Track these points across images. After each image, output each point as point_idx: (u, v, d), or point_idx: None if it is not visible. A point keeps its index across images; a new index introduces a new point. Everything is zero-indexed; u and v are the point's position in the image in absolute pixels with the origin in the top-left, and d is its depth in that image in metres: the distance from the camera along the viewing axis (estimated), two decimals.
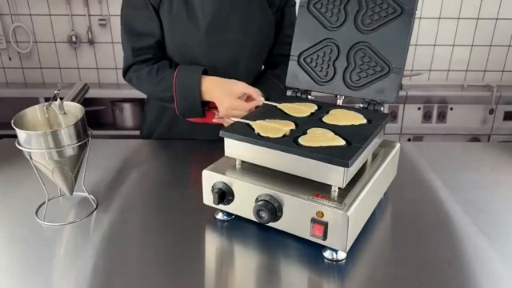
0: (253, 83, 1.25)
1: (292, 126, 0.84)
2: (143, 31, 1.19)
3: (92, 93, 2.78)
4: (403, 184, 1.01)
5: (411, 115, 2.69)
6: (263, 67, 1.36)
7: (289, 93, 1.09)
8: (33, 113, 0.91)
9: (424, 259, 0.76)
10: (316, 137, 0.79)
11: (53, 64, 2.91)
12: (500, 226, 0.86)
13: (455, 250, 0.79)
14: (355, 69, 0.96)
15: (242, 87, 1.11)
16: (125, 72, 1.25)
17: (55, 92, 0.91)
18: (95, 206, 0.91)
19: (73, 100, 0.96)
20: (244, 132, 0.82)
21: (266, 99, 1.03)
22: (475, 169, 1.12)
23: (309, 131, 0.82)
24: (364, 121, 0.88)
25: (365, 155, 0.81)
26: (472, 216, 0.89)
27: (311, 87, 1.02)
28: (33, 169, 0.86)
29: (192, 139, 1.25)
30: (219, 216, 0.86)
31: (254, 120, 0.86)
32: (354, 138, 0.78)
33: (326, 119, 0.89)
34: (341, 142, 0.77)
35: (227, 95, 1.10)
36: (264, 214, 0.76)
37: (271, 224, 0.78)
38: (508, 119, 2.69)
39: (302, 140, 0.78)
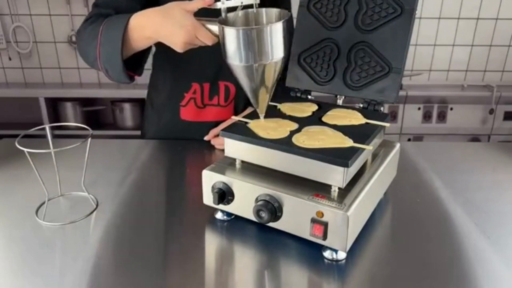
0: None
1: (292, 126, 0.84)
2: None
3: (92, 93, 2.81)
4: (403, 184, 1.01)
5: (411, 115, 2.69)
6: None
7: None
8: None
9: (424, 259, 0.76)
10: (318, 137, 0.79)
11: (53, 64, 2.91)
12: (501, 226, 0.86)
13: (455, 250, 0.79)
14: (355, 69, 0.96)
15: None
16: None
17: None
18: (95, 206, 0.91)
19: None
20: (244, 132, 0.82)
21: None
22: (475, 169, 1.12)
23: (310, 130, 0.82)
24: (364, 121, 0.88)
25: (365, 155, 0.81)
26: (472, 216, 0.89)
27: (311, 87, 1.02)
28: (33, 169, 0.86)
29: (191, 139, 1.26)
30: (219, 216, 0.86)
31: (254, 120, 0.86)
32: (354, 138, 0.79)
33: (326, 119, 0.89)
34: (349, 142, 0.77)
35: (178, 16, 0.89)
36: (264, 214, 0.76)
37: (271, 224, 0.78)
38: (508, 119, 2.69)
39: (302, 140, 0.78)
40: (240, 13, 0.85)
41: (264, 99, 0.85)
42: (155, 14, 0.94)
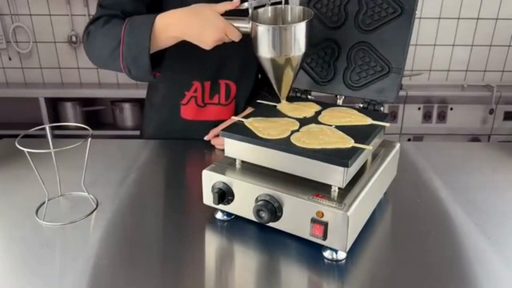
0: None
1: (293, 126, 0.84)
2: None
3: (92, 93, 2.81)
4: (403, 184, 1.01)
5: (411, 115, 2.70)
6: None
7: None
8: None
9: (424, 259, 0.76)
10: (318, 137, 0.79)
11: (53, 64, 2.91)
12: (501, 226, 0.86)
13: (455, 250, 0.79)
14: (355, 69, 0.96)
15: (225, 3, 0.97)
16: (87, 27, 1.08)
17: None
18: (95, 206, 0.91)
19: None
20: (244, 132, 0.82)
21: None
22: (475, 169, 1.12)
23: (310, 130, 0.82)
24: (364, 121, 0.88)
25: (365, 155, 0.81)
26: (472, 216, 0.89)
27: (311, 87, 1.02)
28: (33, 169, 0.86)
29: (191, 139, 1.26)
30: (219, 216, 0.86)
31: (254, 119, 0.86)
32: (354, 138, 0.79)
33: (325, 119, 0.89)
34: (350, 142, 0.77)
35: (209, 17, 0.95)
36: (264, 214, 0.76)
37: (271, 224, 0.78)
38: (508, 119, 2.70)
39: (302, 140, 0.78)
40: (269, 9, 0.94)
41: (286, 86, 0.94)
42: (183, 15, 0.98)
